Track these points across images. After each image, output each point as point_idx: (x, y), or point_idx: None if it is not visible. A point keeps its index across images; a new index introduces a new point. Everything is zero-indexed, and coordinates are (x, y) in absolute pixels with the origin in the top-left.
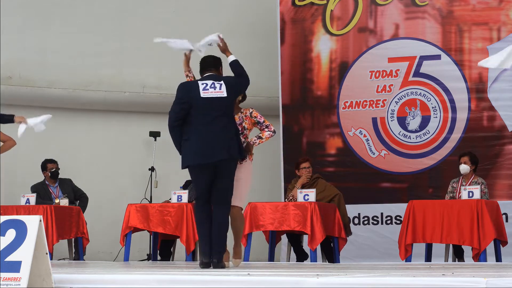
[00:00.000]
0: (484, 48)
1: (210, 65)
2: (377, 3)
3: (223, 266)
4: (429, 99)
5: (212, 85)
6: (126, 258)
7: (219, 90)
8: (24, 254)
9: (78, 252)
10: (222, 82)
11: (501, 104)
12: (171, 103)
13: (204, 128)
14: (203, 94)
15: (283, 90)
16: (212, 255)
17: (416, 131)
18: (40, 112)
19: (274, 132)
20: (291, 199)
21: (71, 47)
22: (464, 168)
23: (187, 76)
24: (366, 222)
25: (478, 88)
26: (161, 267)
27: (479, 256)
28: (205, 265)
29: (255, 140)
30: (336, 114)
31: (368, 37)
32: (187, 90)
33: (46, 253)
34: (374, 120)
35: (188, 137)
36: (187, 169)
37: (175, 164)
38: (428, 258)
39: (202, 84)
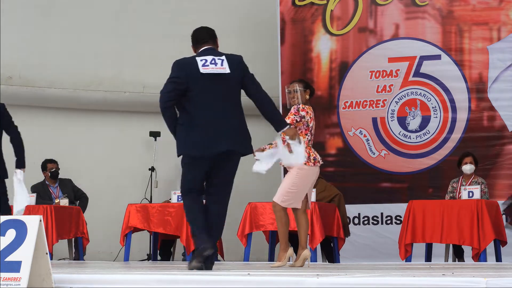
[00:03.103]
0: (484, 48)
1: (206, 37)
2: (377, 3)
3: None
4: (429, 99)
5: (213, 61)
6: (126, 258)
7: (220, 66)
8: (24, 254)
9: (78, 252)
10: (223, 57)
11: (501, 104)
12: None
13: (205, 112)
14: (202, 69)
15: (283, 90)
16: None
17: (416, 131)
18: (40, 112)
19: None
20: None
21: (71, 47)
22: (471, 168)
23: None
24: (366, 222)
25: (478, 88)
26: (161, 267)
27: (479, 256)
28: (206, 259)
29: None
30: (336, 114)
31: (368, 37)
32: (183, 67)
33: (46, 253)
34: (374, 120)
35: (185, 122)
36: None
37: (175, 164)
38: (428, 258)
39: (201, 60)
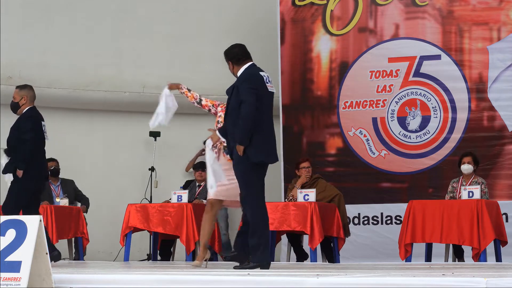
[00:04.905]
0: (484, 48)
1: (248, 54)
2: (377, 3)
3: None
4: (429, 99)
5: (269, 79)
6: (126, 258)
7: (271, 85)
8: (24, 254)
9: (78, 252)
10: (267, 75)
11: (501, 104)
12: None
13: (268, 124)
14: (269, 88)
15: (283, 90)
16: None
17: (416, 131)
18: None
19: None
20: (291, 199)
21: (71, 47)
22: (468, 168)
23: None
24: (366, 222)
25: (478, 88)
26: (161, 267)
27: (479, 256)
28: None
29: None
30: (336, 114)
31: (368, 37)
32: (257, 80)
33: (46, 253)
34: (374, 120)
35: (259, 131)
36: (190, 169)
37: (175, 164)
38: (428, 258)
39: (264, 75)
